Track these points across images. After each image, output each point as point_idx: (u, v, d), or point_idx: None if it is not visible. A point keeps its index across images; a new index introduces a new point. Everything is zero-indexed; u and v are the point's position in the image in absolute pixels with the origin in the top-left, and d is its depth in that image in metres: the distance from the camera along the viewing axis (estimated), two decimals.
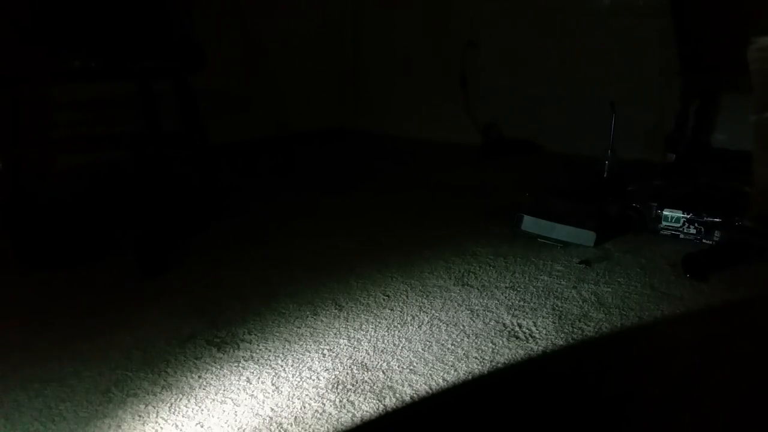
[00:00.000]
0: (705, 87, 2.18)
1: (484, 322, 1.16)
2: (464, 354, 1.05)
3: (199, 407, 0.90)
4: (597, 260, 1.50)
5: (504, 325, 1.16)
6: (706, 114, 2.44)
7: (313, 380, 0.97)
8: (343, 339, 1.10)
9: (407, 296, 1.29)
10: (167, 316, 1.20)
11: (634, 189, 1.94)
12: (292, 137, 3.48)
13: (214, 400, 0.91)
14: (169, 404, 0.90)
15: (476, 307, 1.23)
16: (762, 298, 1.25)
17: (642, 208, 1.75)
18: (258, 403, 0.90)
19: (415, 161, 2.95)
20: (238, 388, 0.94)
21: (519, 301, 1.26)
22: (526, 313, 1.20)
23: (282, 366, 1.01)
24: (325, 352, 1.06)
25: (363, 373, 0.99)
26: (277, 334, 1.12)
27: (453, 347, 1.07)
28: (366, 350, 1.06)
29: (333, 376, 0.98)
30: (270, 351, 1.06)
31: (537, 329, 1.14)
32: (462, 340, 1.10)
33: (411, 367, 1.00)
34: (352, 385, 0.95)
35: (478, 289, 1.33)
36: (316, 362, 1.02)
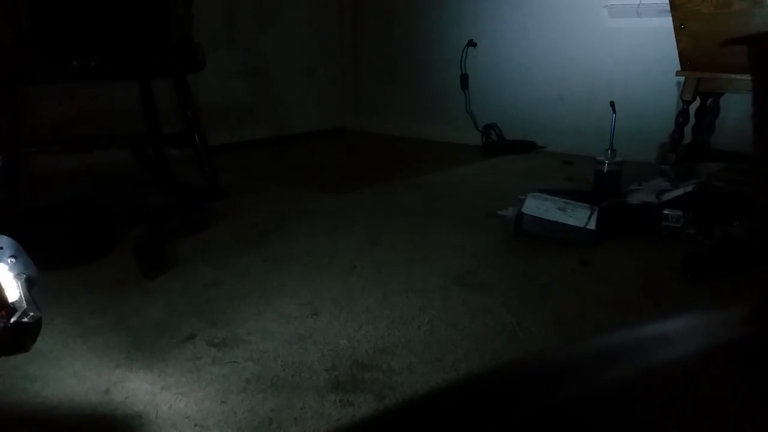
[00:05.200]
0: (705, 87, 2.18)
1: (484, 322, 1.16)
2: (464, 354, 1.05)
3: (199, 408, 0.90)
4: (597, 260, 1.50)
5: (504, 325, 1.16)
6: (706, 114, 2.44)
7: (313, 380, 0.97)
8: (343, 339, 1.10)
9: (407, 296, 1.29)
10: (167, 316, 1.20)
11: (634, 189, 1.94)
12: (292, 137, 3.48)
13: (213, 400, 0.91)
14: (169, 404, 0.90)
15: (476, 307, 1.23)
16: (762, 299, 1.24)
17: (642, 208, 1.75)
18: (257, 404, 0.90)
19: (415, 161, 2.95)
20: (238, 389, 0.94)
21: (519, 301, 1.26)
22: (526, 313, 1.20)
23: (282, 366, 1.01)
24: (325, 352, 1.06)
25: (363, 373, 0.99)
26: (277, 334, 1.12)
27: (453, 347, 1.07)
28: (366, 350, 1.06)
29: (333, 376, 0.98)
30: (270, 351, 1.06)
31: (537, 329, 1.14)
32: (462, 340, 1.10)
33: (411, 367, 1.00)
34: (352, 385, 0.95)
35: (478, 289, 1.33)
36: (316, 362, 1.02)
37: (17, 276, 0.97)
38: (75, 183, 2.40)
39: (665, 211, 1.66)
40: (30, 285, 0.99)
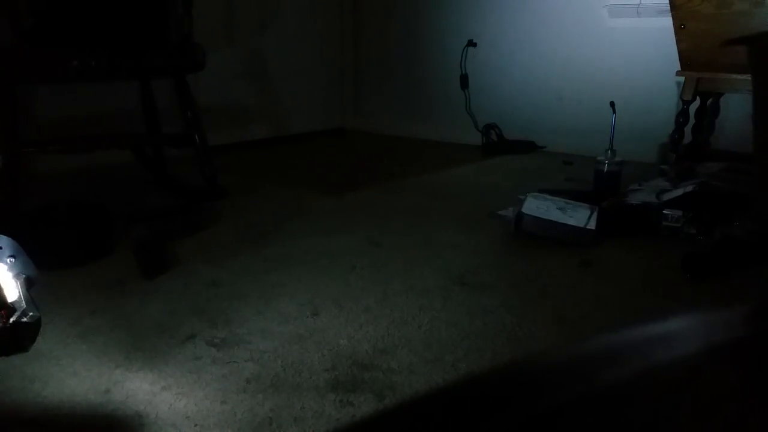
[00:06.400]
0: (705, 87, 2.18)
1: (484, 322, 1.16)
2: (464, 354, 1.05)
3: (199, 408, 0.90)
4: (597, 260, 1.50)
5: (504, 325, 1.16)
6: (706, 114, 2.44)
7: (313, 380, 0.97)
8: (343, 339, 1.10)
9: (407, 296, 1.29)
10: (167, 316, 1.20)
11: (634, 189, 1.94)
12: (292, 137, 3.48)
13: (213, 400, 0.91)
14: (168, 404, 0.90)
15: (476, 307, 1.23)
16: (762, 299, 1.24)
17: (642, 208, 1.75)
18: (257, 404, 0.90)
19: (414, 161, 2.95)
20: (238, 389, 0.94)
21: (519, 301, 1.26)
22: (526, 313, 1.20)
23: (282, 366, 1.01)
24: (325, 352, 1.06)
25: (363, 373, 0.99)
26: (277, 334, 1.12)
27: (453, 347, 1.07)
28: (366, 350, 1.06)
29: (333, 376, 0.98)
30: (270, 351, 1.06)
31: (537, 329, 1.14)
32: (462, 340, 1.10)
33: (411, 367, 1.00)
34: (352, 385, 0.95)
35: (478, 289, 1.33)
36: (316, 362, 1.02)
37: (16, 276, 0.97)
38: (75, 183, 2.39)
39: (665, 211, 1.66)
40: (29, 285, 0.99)
